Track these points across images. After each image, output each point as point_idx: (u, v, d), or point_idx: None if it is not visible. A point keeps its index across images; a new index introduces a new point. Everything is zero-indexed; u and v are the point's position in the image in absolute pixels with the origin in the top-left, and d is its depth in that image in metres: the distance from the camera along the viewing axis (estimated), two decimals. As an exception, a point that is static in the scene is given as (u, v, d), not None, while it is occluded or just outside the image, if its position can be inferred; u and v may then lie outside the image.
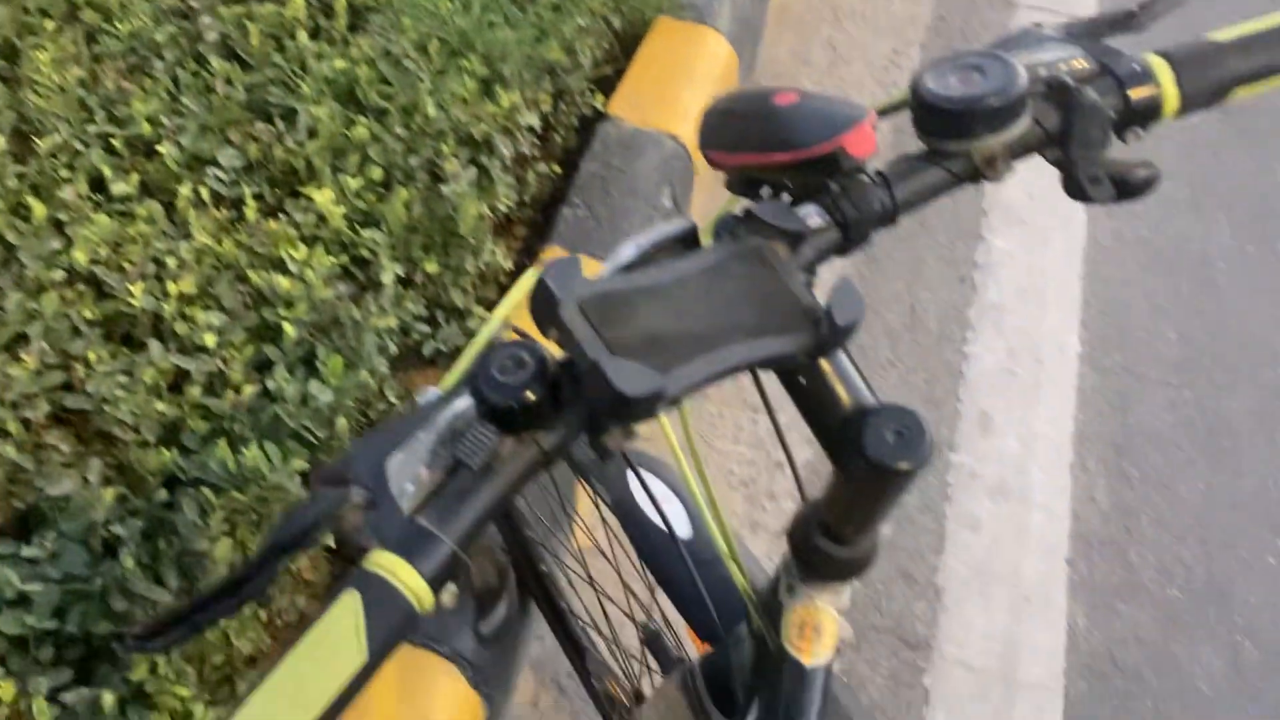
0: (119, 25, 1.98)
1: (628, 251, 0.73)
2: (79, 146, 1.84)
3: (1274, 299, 2.72)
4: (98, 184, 1.84)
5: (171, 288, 1.67)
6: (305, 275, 1.72)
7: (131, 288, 1.65)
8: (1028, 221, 2.84)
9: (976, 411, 2.42)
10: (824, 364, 0.73)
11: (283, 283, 1.70)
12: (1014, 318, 2.61)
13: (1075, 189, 0.82)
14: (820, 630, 0.82)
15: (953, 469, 2.32)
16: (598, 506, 1.30)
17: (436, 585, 0.60)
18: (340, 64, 2.00)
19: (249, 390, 1.61)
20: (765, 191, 0.81)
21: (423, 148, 1.95)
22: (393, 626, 0.58)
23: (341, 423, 1.64)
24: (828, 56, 3.17)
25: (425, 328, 1.93)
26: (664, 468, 1.17)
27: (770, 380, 0.81)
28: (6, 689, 1.31)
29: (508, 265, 2.12)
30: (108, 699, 1.31)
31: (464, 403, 0.66)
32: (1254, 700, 2.05)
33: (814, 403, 0.74)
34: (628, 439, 0.67)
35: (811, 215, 0.76)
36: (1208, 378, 2.55)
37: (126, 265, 1.69)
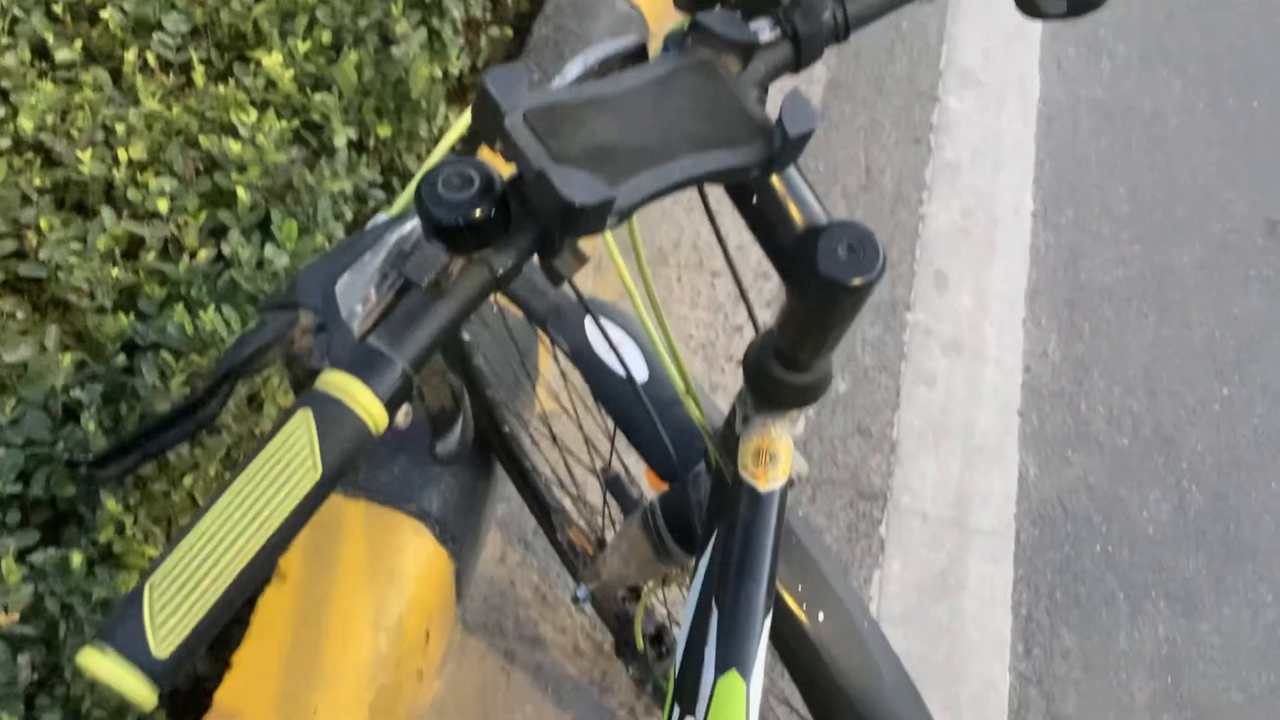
0: (53, -114, 1.89)
1: (574, 68, 0.71)
2: (18, 13, 1.77)
3: (1223, 153, 2.72)
4: (40, 51, 1.78)
5: (121, 154, 1.63)
6: (257, 139, 1.68)
7: (80, 155, 1.61)
8: (983, 82, 2.82)
9: (932, 271, 2.43)
10: (776, 181, 0.72)
11: (234, 147, 1.66)
12: (969, 178, 2.60)
13: (1028, 4, 0.80)
14: (775, 457, 0.83)
15: (909, 328, 2.32)
16: (556, 359, 1.29)
17: (390, 404, 0.59)
18: (284, -76, 1.93)
19: (204, 255, 1.59)
20: (717, 6, 0.79)
21: (372, 9, 1.90)
22: (346, 443, 0.57)
23: (300, 287, 1.62)
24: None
25: (380, 193, 1.89)
26: (620, 314, 1.17)
27: (724, 209, 0.80)
28: (-26, 551, 1.30)
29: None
30: (76, 559, 1.30)
31: (412, 224, 0.65)
32: (1198, 541, 2.10)
33: (766, 222, 0.73)
34: (579, 262, 0.66)
35: (763, 29, 0.74)
36: (1158, 232, 2.56)
37: (74, 132, 1.65)
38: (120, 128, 1.65)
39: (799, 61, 0.75)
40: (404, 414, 0.61)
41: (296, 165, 1.72)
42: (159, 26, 1.82)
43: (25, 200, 1.58)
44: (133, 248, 1.61)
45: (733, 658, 0.79)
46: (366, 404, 0.58)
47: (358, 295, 0.62)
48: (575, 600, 1.39)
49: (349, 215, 1.81)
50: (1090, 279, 2.46)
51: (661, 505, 1.05)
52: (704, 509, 0.99)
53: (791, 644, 0.98)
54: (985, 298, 2.39)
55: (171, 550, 0.53)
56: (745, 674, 0.78)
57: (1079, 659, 1.94)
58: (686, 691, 0.81)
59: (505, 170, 0.64)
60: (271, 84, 1.78)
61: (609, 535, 1.61)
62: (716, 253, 2.34)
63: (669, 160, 0.63)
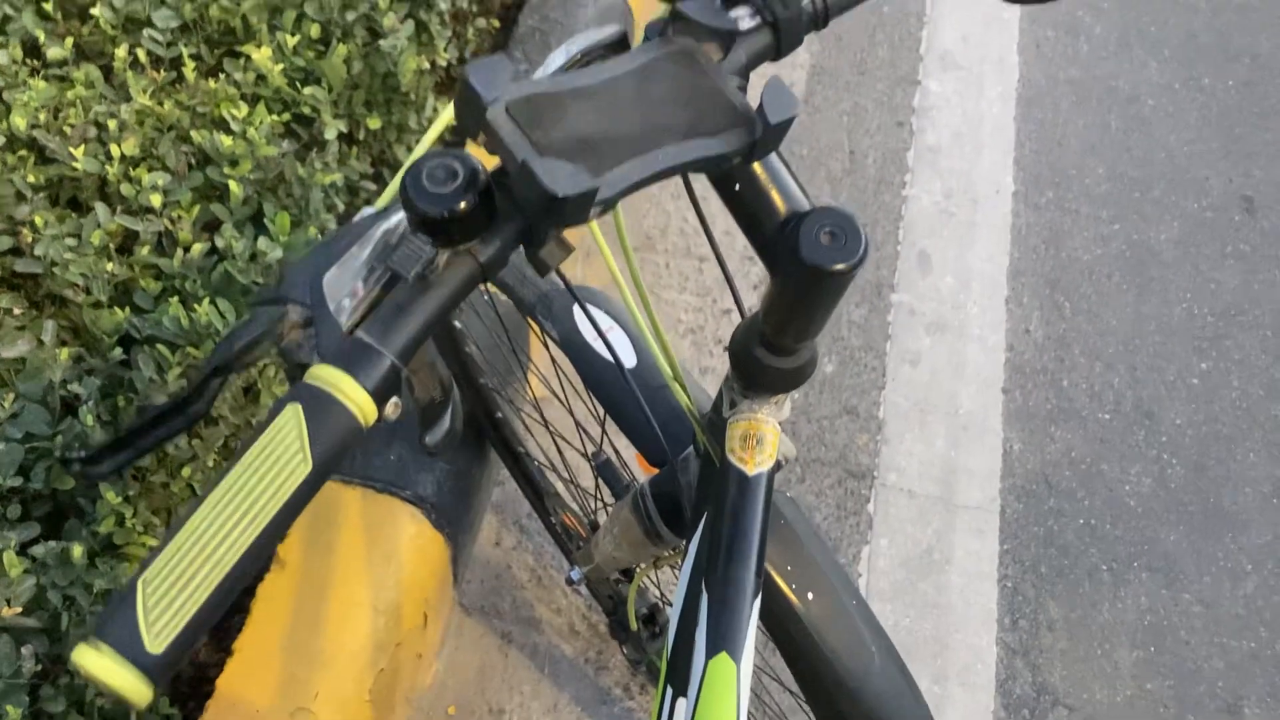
0: (41, -115, 1.87)
1: (557, 57, 0.71)
2: (9, 11, 1.75)
3: (1199, 132, 2.72)
4: (32, 49, 1.76)
5: (114, 150, 1.61)
6: (248, 134, 1.67)
7: (74, 151, 1.59)
8: (963, 66, 2.81)
9: (915, 252, 2.42)
10: (758, 168, 0.72)
11: (226, 141, 1.64)
12: (951, 160, 2.59)
13: None
14: (762, 440, 0.82)
15: (893, 309, 2.32)
16: (546, 346, 1.29)
17: (379, 397, 0.59)
18: (271, -80, 1.92)
19: (198, 249, 1.57)
20: None
21: (359, 3, 1.88)
22: (336, 436, 0.56)
23: (293, 279, 1.61)
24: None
25: (371, 185, 1.88)
26: (607, 300, 1.16)
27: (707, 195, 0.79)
28: (-23, 545, 1.30)
29: (449, 121, 2.07)
30: (76, 551, 1.30)
31: (398, 217, 0.64)
32: (1179, 513, 2.10)
33: (749, 209, 0.72)
34: (564, 252, 0.65)
35: (743, 17, 0.73)
36: (1136, 210, 2.56)
37: (67, 129, 1.63)
38: (112, 124, 1.64)
39: (779, 48, 0.75)
40: (393, 406, 0.60)
41: (288, 158, 1.70)
42: (149, 23, 1.80)
43: (20, 197, 1.57)
44: (127, 242, 1.60)
45: (723, 640, 0.79)
46: (355, 397, 0.57)
47: (345, 289, 0.61)
48: (570, 582, 1.39)
49: (341, 206, 1.80)
50: (1071, 257, 2.45)
51: (651, 489, 1.05)
52: (693, 492, 0.99)
53: (782, 624, 0.98)
54: (968, 277, 2.39)
55: (164, 546, 0.52)
56: (735, 656, 0.78)
57: (1064, 630, 1.94)
58: (678, 673, 0.81)
59: (490, 162, 0.64)
60: (261, 78, 1.77)
61: (601, 519, 1.61)
62: (703, 238, 2.33)
63: (651, 149, 0.62)
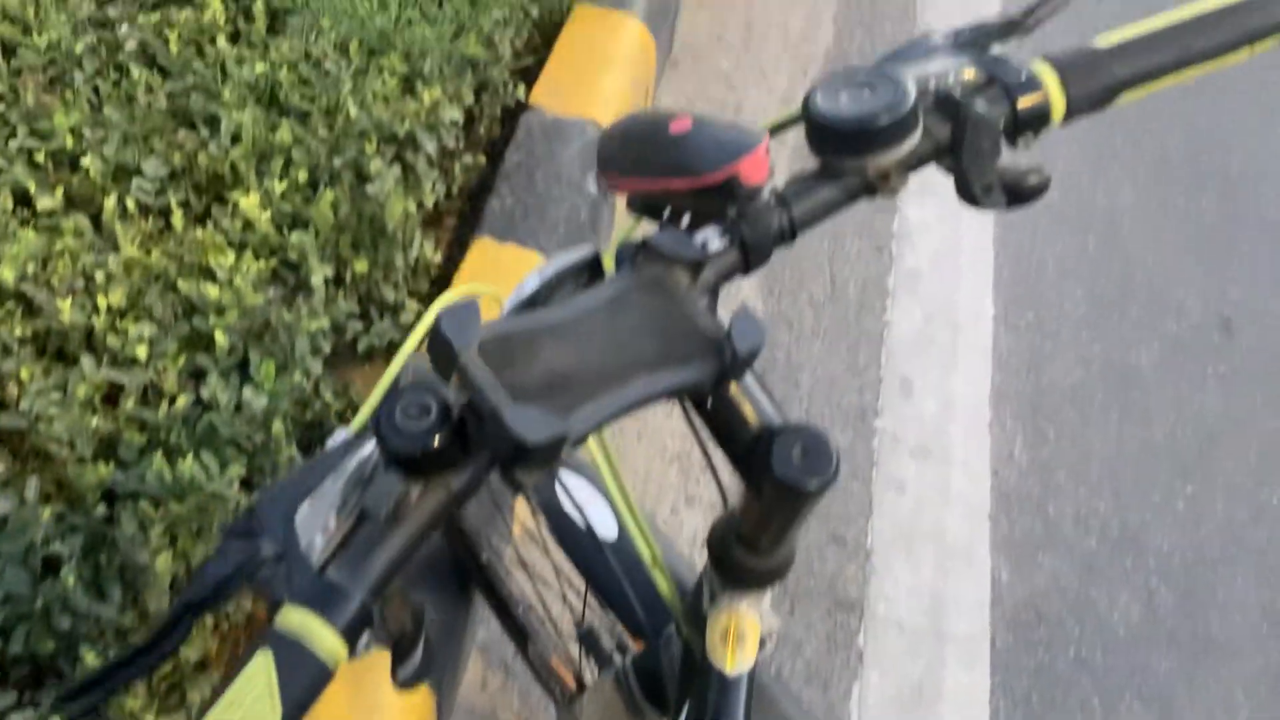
0: (36, 38, 1.91)
1: (531, 282, 0.71)
2: (1, 163, 1.77)
3: (1175, 253, 2.75)
4: (22, 199, 1.78)
5: (101, 301, 1.62)
6: (234, 282, 1.68)
7: (61, 303, 1.60)
8: (941, 192, 2.84)
9: (898, 377, 2.43)
10: (730, 384, 0.72)
11: (212, 291, 1.65)
12: (931, 284, 2.61)
13: (969, 196, 0.81)
14: (743, 637, 0.81)
15: (878, 434, 2.32)
16: (533, 512, 1.28)
17: (350, 636, 0.58)
18: (261, 68, 1.95)
19: (183, 400, 1.57)
20: (666, 212, 0.79)
21: (346, 148, 1.91)
22: (306, 684, 0.56)
23: (277, 426, 1.61)
24: (743, 34, 3.14)
25: (358, 324, 1.89)
26: (589, 468, 1.16)
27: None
28: (-48, 714, 1.27)
29: (437, 259, 2.09)
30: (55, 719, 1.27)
31: (371, 447, 0.64)
32: (1169, 641, 2.08)
33: (721, 423, 0.72)
34: (541, 476, 0.65)
35: (711, 239, 0.74)
36: (1115, 332, 2.57)
37: (54, 281, 1.64)
38: (100, 275, 1.65)
39: (748, 266, 0.76)
40: (366, 641, 0.60)
41: (274, 305, 1.71)
42: (138, 172, 1.82)
43: (5, 351, 1.57)
44: (112, 394, 1.60)
45: None
46: (325, 643, 0.57)
47: (318, 525, 0.61)
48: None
49: (327, 349, 1.81)
50: (1052, 381, 2.46)
51: (634, 666, 1.04)
52: (676, 673, 0.97)
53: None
54: (951, 402, 2.40)
55: None
56: None
57: (1057, 766, 1.91)
58: None
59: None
60: (249, 225, 1.78)
61: (587, 670, 1.59)
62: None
63: (623, 383, 0.62)
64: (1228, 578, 2.18)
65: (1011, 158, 0.83)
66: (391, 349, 1.99)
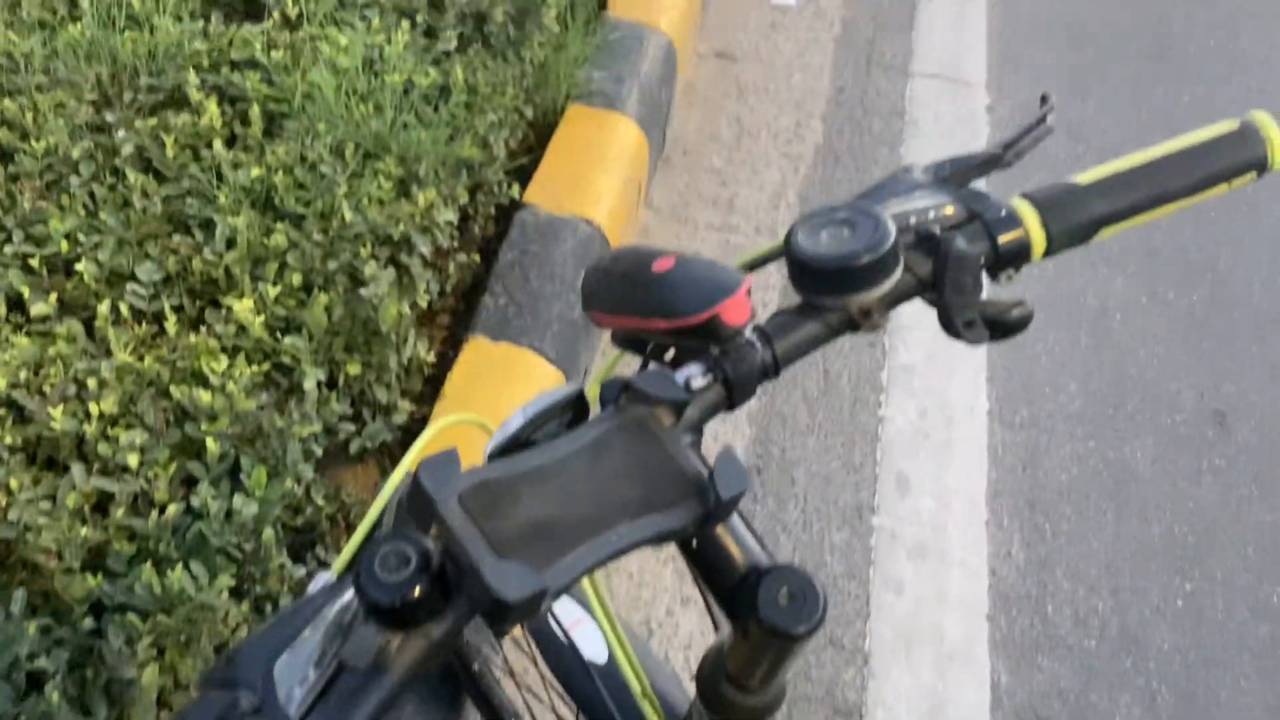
0: (34, 144, 1.93)
1: (515, 421, 0.72)
2: (-4, 269, 1.79)
3: (1168, 347, 2.76)
4: (16, 304, 1.79)
5: (93, 408, 1.62)
6: (227, 387, 1.68)
7: (52, 411, 1.60)
8: (933, 284, 2.86)
9: (894, 473, 2.43)
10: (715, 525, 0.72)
11: (204, 396, 1.65)
12: (924, 379, 2.62)
13: (952, 331, 0.82)
14: (736, 771, 0.80)
15: (874, 532, 2.31)
16: (523, 633, 1.27)
17: None
18: (256, 171, 1.97)
19: (173, 509, 1.57)
20: (649, 348, 0.80)
21: (341, 251, 1.92)
22: None
23: (268, 533, 1.60)
24: (734, 132, 3.19)
25: (351, 426, 1.89)
26: (578, 589, 1.15)
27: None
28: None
29: (431, 358, 2.09)
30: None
31: (351, 595, 0.64)
32: (1172, 744, 2.06)
33: (706, 563, 0.72)
34: (524, 624, 0.65)
35: (695, 376, 0.75)
36: (1110, 427, 2.58)
37: (46, 388, 1.64)
38: (92, 382, 1.65)
39: (732, 402, 0.76)
40: None
41: (266, 411, 1.71)
42: (132, 277, 1.83)
43: (-4, 459, 1.56)
44: (102, 503, 1.59)
45: None
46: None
47: (296, 676, 0.60)
48: None
49: (319, 452, 1.80)
50: (1048, 477, 2.46)
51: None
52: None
53: None
54: (947, 499, 2.39)
55: None
56: None
57: None
58: None
59: None
60: (242, 329, 1.79)
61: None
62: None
63: (604, 530, 0.63)
64: (1230, 678, 2.16)
65: (994, 290, 0.84)
66: (384, 450, 1.99)
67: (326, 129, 2.09)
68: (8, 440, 1.58)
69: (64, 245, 1.82)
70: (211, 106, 2.05)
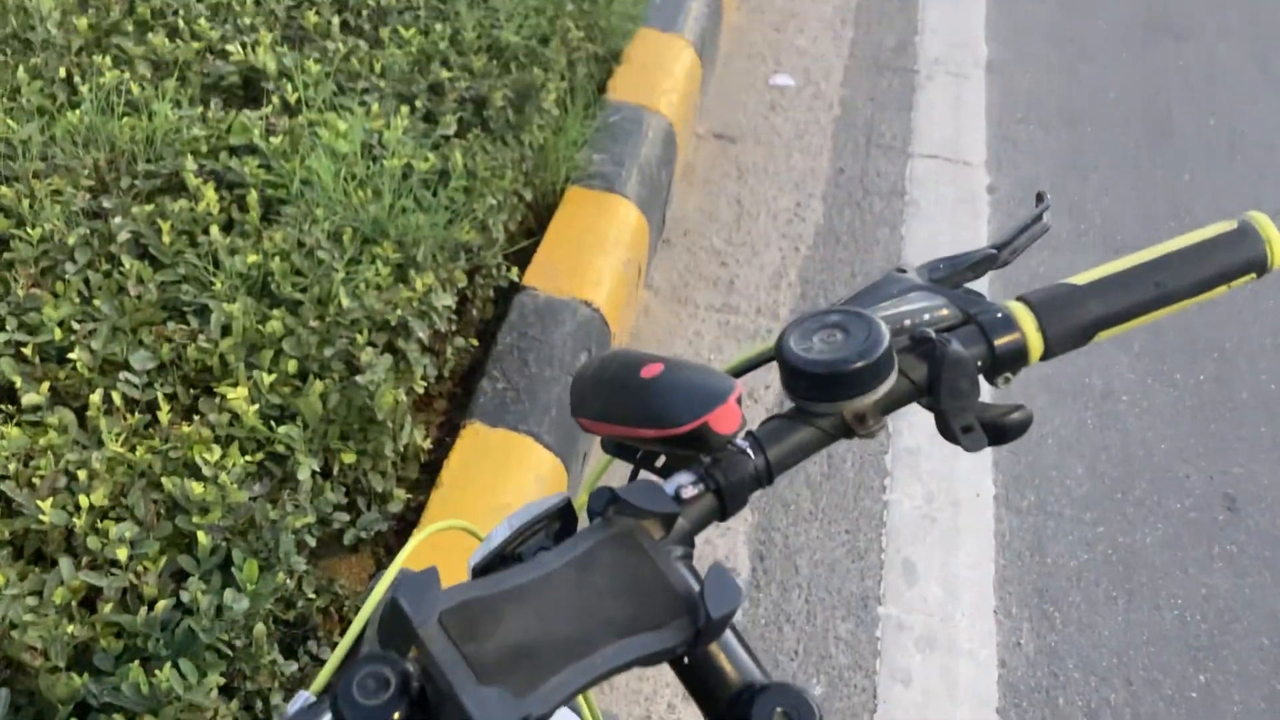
0: (30, 231, 1.93)
1: (500, 533, 0.70)
2: (-12, 358, 1.78)
3: (1175, 428, 2.75)
4: (8, 393, 1.78)
5: (83, 500, 1.60)
6: (219, 479, 1.67)
7: (42, 503, 1.58)
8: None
9: (900, 560, 2.40)
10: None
11: (196, 488, 1.64)
12: (929, 463, 2.60)
13: (949, 436, 0.81)
14: None
15: (881, 622, 2.28)
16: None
17: None
18: (253, 258, 1.98)
19: (163, 604, 1.54)
20: (639, 455, 0.79)
21: (337, 338, 1.92)
22: None
23: (259, 629, 1.58)
24: (734, 213, 3.20)
25: (345, 516, 1.87)
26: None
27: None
28: None
29: (427, 445, 2.08)
30: None
31: (328, 717, 0.62)
32: (1190, 843, 2.01)
33: (699, 680, 0.70)
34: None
35: (685, 486, 0.74)
36: (1118, 512, 2.56)
37: (36, 480, 1.63)
38: (83, 473, 1.63)
39: (724, 512, 0.75)
40: None
41: (259, 502, 1.70)
42: (126, 365, 1.82)
43: (-18, 554, 1.55)
44: (90, 598, 1.57)
45: None
46: None
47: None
48: None
49: (313, 543, 1.78)
50: (1057, 563, 2.43)
51: None
52: None
53: None
54: (954, 587, 2.36)
55: None
56: None
57: None
58: None
59: None
60: (236, 418, 1.78)
61: None
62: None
63: (590, 652, 0.61)
64: (1248, 773, 2.12)
65: (993, 394, 0.83)
66: (379, 540, 1.97)
67: (324, 214, 2.10)
68: (-5, 534, 1.56)
69: (57, 333, 1.81)
70: (209, 192, 2.06)
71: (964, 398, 0.79)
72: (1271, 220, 0.87)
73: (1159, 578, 2.43)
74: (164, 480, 1.66)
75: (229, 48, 2.43)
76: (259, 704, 1.60)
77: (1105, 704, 2.19)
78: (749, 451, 0.76)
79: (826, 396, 0.76)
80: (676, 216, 3.16)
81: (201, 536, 1.60)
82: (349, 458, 1.86)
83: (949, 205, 3.31)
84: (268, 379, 1.82)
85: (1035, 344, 0.84)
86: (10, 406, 1.75)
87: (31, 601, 1.50)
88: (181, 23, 2.49)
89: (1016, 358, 0.84)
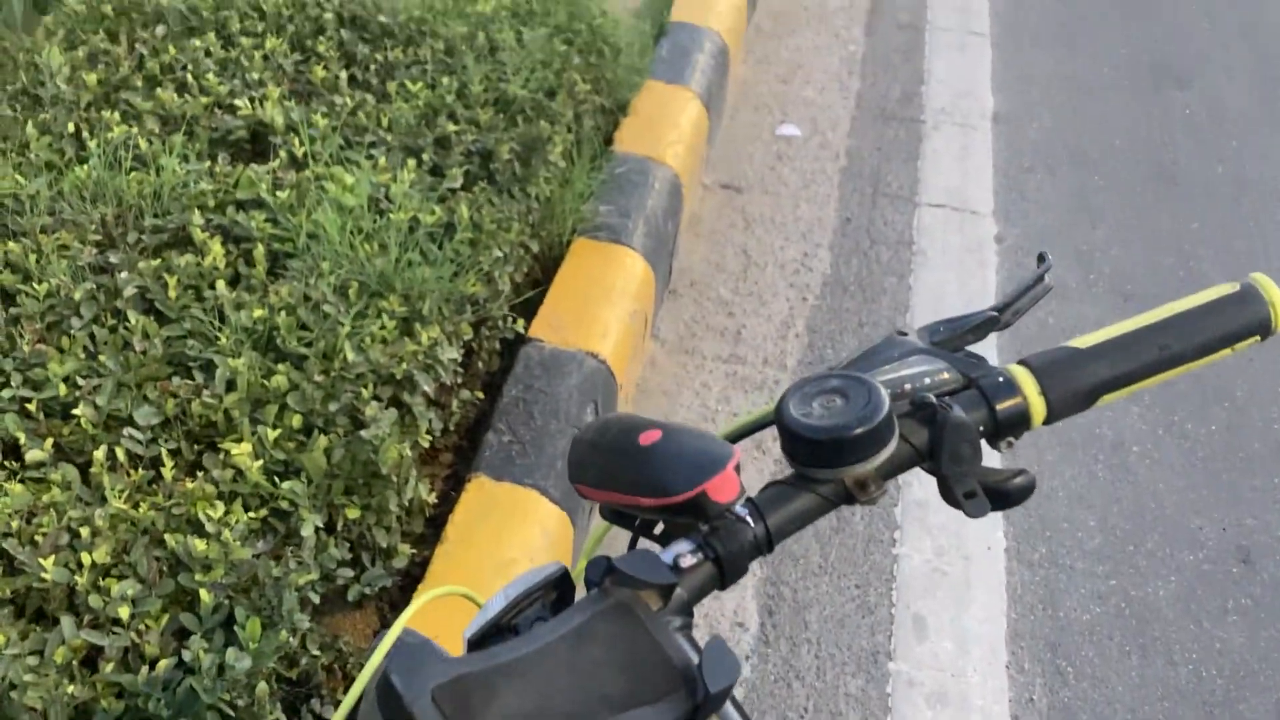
0: (36, 286, 1.95)
1: (496, 604, 0.70)
2: (-8, 414, 1.78)
3: (1187, 479, 2.74)
4: (12, 450, 1.78)
5: (85, 558, 1.60)
6: (222, 535, 1.66)
7: (44, 561, 1.58)
8: (945, 416, 2.85)
9: (910, 615, 2.38)
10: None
11: (199, 545, 1.63)
12: (939, 516, 2.59)
13: (952, 501, 0.81)
14: None
15: (891, 678, 2.26)
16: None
17: None
18: (259, 312, 1.98)
19: (164, 664, 1.54)
20: (637, 522, 0.79)
21: (342, 392, 1.92)
22: None
23: (261, 687, 1.57)
24: (741, 263, 3.21)
25: (349, 572, 1.86)
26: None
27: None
28: None
29: (432, 499, 2.07)
30: None
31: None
32: None
33: None
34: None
35: (684, 555, 0.73)
36: (1131, 564, 2.54)
37: (39, 537, 1.62)
38: (85, 531, 1.63)
39: (723, 581, 0.74)
40: None
41: (262, 558, 1.69)
42: (130, 421, 1.82)
43: (-17, 613, 1.54)
44: (91, 657, 1.56)
45: None
46: None
47: None
48: None
49: (316, 600, 1.78)
50: (1069, 618, 2.41)
51: None
52: None
53: None
54: (966, 642, 2.34)
55: None
56: None
57: None
58: None
59: None
60: (240, 474, 1.78)
61: None
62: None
63: None
64: (1267, 833, 2.09)
65: (995, 457, 0.83)
66: (383, 596, 1.96)
67: (331, 268, 2.11)
68: (-3, 592, 1.56)
69: (62, 389, 1.82)
70: (216, 247, 2.07)
71: (966, 463, 0.79)
72: (1275, 282, 0.87)
73: (1173, 631, 2.41)
74: (167, 537, 1.65)
75: (237, 102, 2.46)
76: (261, 765, 1.59)
77: (1120, 762, 2.17)
78: (748, 519, 0.76)
79: (827, 463, 0.76)
80: (683, 267, 3.17)
81: (204, 594, 1.60)
82: (353, 513, 1.85)
83: (956, 254, 3.32)
84: (272, 434, 1.82)
85: (1037, 408, 0.83)
86: (14, 463, 1.75)
87: (32, 661, 1.50)
88: (190, 78, 2.52)
89: (1018, 422, 0.84)
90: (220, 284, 2.03)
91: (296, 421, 1.87)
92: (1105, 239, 3.40)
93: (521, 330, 2.44)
